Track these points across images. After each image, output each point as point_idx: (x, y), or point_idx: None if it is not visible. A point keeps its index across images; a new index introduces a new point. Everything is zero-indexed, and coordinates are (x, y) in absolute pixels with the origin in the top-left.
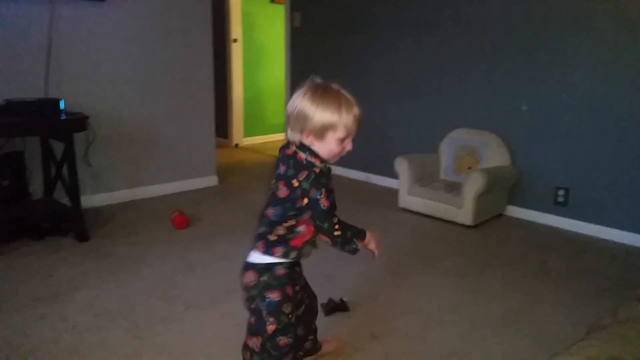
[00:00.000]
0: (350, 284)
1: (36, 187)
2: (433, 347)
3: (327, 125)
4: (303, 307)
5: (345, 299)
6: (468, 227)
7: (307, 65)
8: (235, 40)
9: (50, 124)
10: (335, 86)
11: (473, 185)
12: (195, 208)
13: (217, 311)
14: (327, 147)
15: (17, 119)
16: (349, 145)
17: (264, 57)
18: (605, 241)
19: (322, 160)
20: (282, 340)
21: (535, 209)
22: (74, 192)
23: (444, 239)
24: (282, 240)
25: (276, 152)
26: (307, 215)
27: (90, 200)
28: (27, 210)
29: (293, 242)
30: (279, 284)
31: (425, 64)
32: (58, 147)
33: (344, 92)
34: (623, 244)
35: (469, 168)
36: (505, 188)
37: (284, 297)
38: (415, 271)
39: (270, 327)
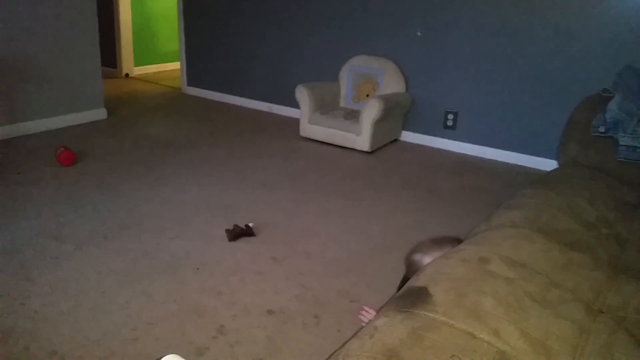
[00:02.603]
0: (252, 211)
1: None
2: (330, 265)
3: None
4: None
5: (251, 225)
6: (366, 153)
7: None
8: None
9: None
10: None
11: (370, 112)
12: (83, 144)
13: (110, 248)
14: None
15: None
16: None
17: None
18: (490, 161)
19: None
20: None
21: (428, 134)
22: None
23: (344, 165)
24: None
25: (171, 83)
26: None
27: None
28: None
29: None
30: None
31: None
32: None
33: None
34: (506, 163)
35: (367, 95)
36: (400, 114)
37: None
38: (317, 197)
39: None
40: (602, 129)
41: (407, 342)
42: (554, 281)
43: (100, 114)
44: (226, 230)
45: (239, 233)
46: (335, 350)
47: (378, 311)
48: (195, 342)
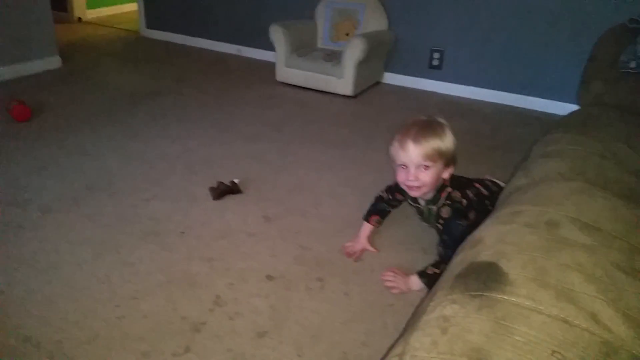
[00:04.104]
0: (235, 165)
1: None
2: (328, 221)
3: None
4: None
5: (236, 181)
6: (348, 97)
7: None
8: None
9: None
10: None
11: (353, 53)
12: (38, 96)
13: (81, 213)
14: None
15: None
16: (400, 175)
17: None
18: (479, 102)
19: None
20: None
21: (412, 75)
22: None
23: (327, 112)
24: None
25: (128, 26)
26: None
27: None
28: None
29: None
30: None
31: None
32: None
33: (417, 124)
34: (494, 103)
35: (347, 35)
36: (383, 54)
37: None
38: (302, 148)
39: None
40: (632, 65)
41: (495, 338)
42: (635, 246)
43: (54, 62)
44: (210, 188)
45: (224, 191)
46: (393, 345)
47: (401, 277)
48: (189, 316)
